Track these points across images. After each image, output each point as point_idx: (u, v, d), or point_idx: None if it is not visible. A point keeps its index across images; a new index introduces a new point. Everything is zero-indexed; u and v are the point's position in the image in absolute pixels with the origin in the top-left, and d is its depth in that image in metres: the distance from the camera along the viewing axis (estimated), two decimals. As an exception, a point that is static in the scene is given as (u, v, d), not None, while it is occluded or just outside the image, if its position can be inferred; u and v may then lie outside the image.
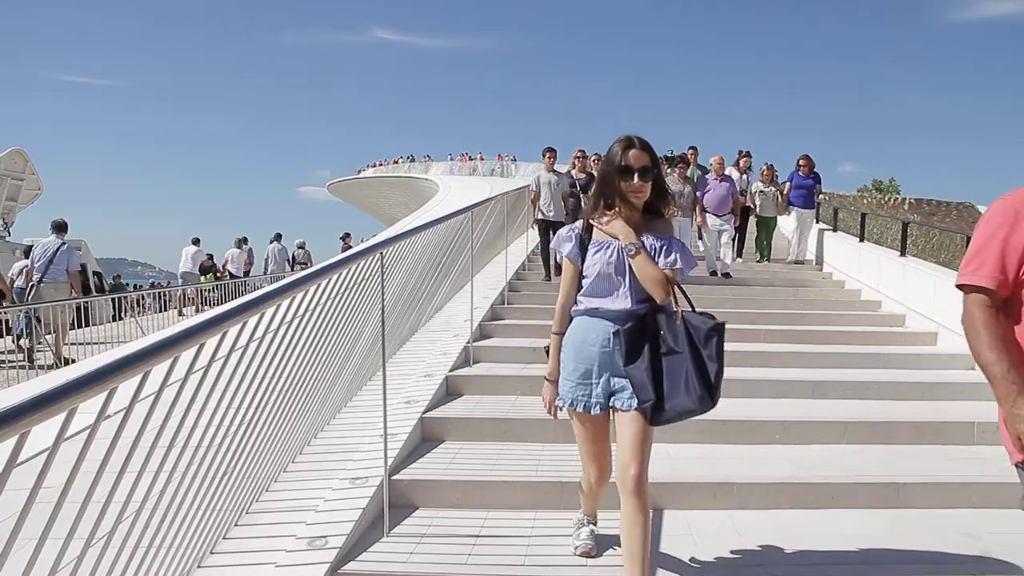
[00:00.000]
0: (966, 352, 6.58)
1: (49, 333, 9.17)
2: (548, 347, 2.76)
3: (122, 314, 13.36)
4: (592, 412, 2.59)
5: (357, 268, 3.62)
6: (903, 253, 8.20)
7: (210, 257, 17.27)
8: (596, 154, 10.53)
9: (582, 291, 2.62)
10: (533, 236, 9.95)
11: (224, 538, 2.88)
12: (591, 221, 2.64)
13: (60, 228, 9.67)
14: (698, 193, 9.95)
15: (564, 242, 2.68)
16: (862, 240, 9.58)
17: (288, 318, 2.91)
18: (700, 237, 11.83)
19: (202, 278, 16.10)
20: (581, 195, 9.35)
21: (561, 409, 2.69)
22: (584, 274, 2.61)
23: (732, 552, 3.15)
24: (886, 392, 5.22)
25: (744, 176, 11.14)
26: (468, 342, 5.75)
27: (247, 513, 3.11)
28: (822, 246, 10.70)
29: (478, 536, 3.26)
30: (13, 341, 9.40)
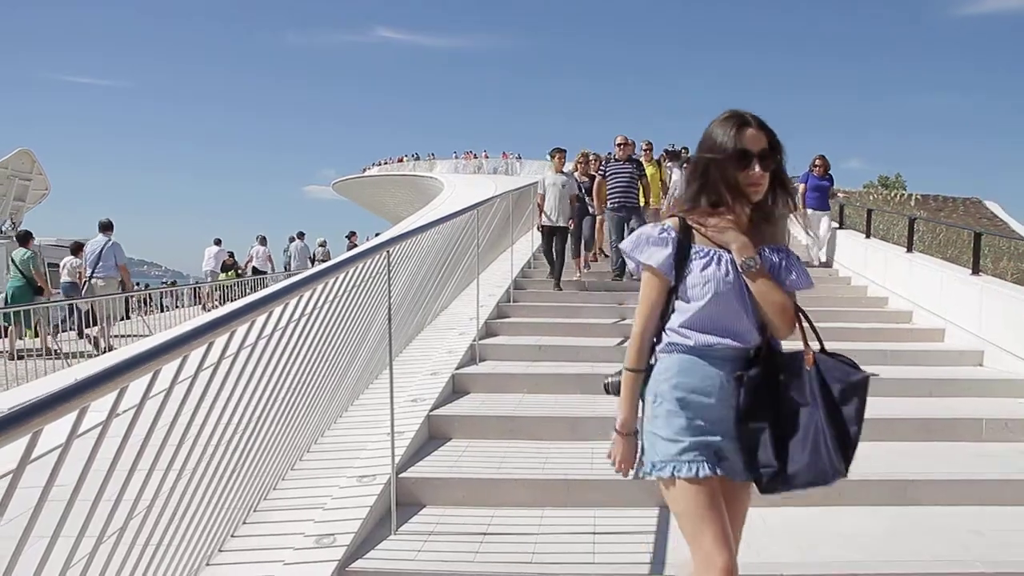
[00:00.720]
0: (973, 348, 6.55)
1: (95, 324, 9.89)
2: (610, 383, 2.13)
3: (129, 313, 13.51)
4: (702, 473, 1.89)
5: (364, 267, 3.64)
6: (910, 249, 8.18)
7: (231, 255, 17.66)
8: (596, 155, 10.41)
9: (684, 318, 1.94)
10: (538, 235, 9.92)
11: (233, 536, 2.90)
12: (690, 222, 1.98)
13: (106, 227, 10.47)
14: None
15: (651, 245, 1.97)
16: (868, 236, 9.55)
17: (296, 316, 2.92)
18: None
19: (222, 275, 16.50)
20: (586, 198, 9.26)
21: (648, 475, 1.98)
22: (686, 296, 1.94)
23: (738, 550, 3.14)
24: (893, 389, 5.20)
25: None
26: (474, 340, 5.76)
27: (255, 511, 3.12)
28: (830, 243, 10.63)
29: (485, 534, 3.27)
30: (78, 334, 9.97)
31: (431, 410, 4.40)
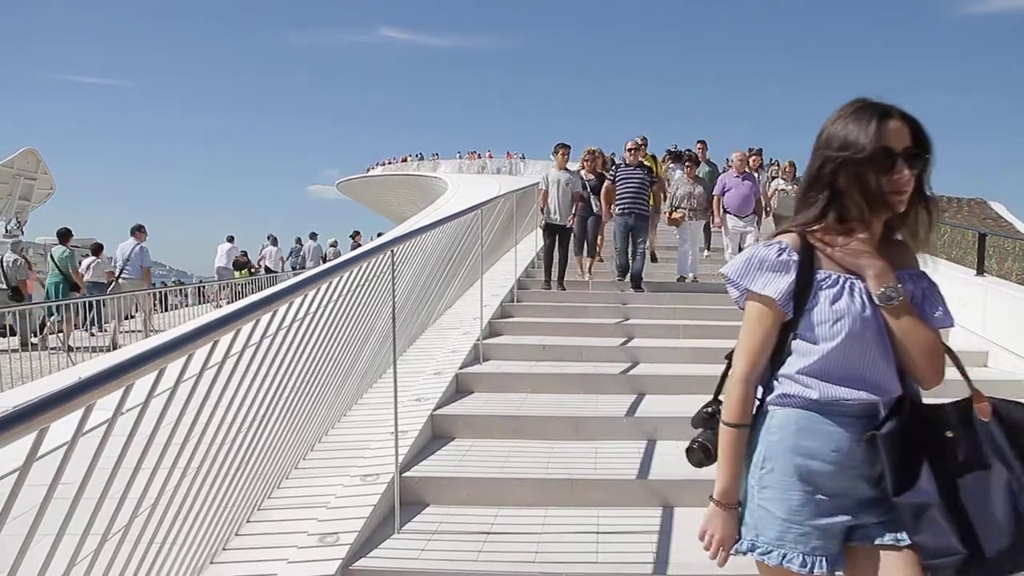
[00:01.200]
0: (977, 350, 6.53)
1: (127, 318, 11.12)
2: (700, 443, 1.73)
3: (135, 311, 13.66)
4: (818, 571, 1.52)
5: (368, 266, 3.64)
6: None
7: (244, 254, 18.08)
8: (600, 152, 9.84)
9: (806, 363, 1.55)
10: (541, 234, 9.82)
11: (236, 534, 2.91)
12: (811, 239, 1.59)
13: (138, 231, 11.39)
14: (715, 192, 9.20)
15: (768, 271, 1.58)
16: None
17: (300, 315, 2.93)
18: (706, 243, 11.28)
19: (236, 273, 16.89)
20: (591, 197, 8.75)
21: (745, 553, 1.61)
22: (809, 334, 1.56)
23: (743, 549, 3.14)
24: (897, 390, 5.20)
25: (755, 176, 9.97)
26: (478, 340, 5.76)
27: (259, 510, 3.13)
28: None
29: (489, 533, 3.27)
30: (87, 330, 10.54)
31: (435, 409, 4.40)
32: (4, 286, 11.11)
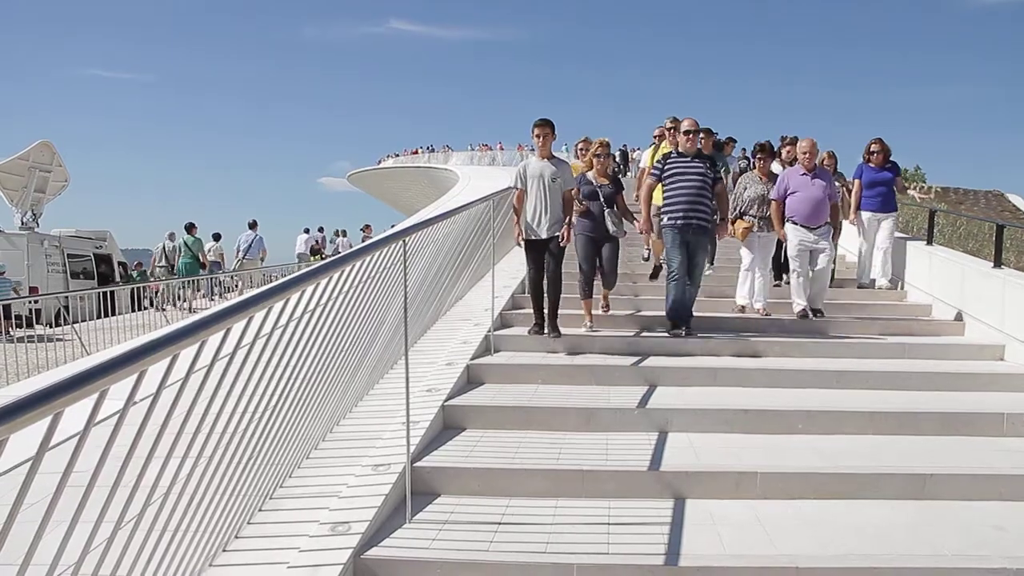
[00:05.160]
0: (995, 342, 6.46)
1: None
2: None
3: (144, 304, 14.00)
4: None
5: (380, 256, 3.64)
6: (930, 242, 8.07)
7: (318, 242, 21.14)
8: (592, 144, 6.49)
9: None
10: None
11: (248, 523, 2.92)
12: None
13: (254, 225, 16.04)
14: (773, 196, 6.80)
15: None
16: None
17: (312, 305, 2.93)
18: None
19: (312, 259, 19.66)
20: (605, 208, 6.06)
21: None
22: None
23: (755, 542, 3.13)
24: (912, 382, 5.16)
25: (828, 173, 7.23)
26: (489, 331, 5.76)
27: (270, 499, 3.14)
28: (896, 258, 8.25)
29: (500, 523, 3.27)
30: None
31: (446, 400, 4.40)
32: (164, 263, 14.98)
